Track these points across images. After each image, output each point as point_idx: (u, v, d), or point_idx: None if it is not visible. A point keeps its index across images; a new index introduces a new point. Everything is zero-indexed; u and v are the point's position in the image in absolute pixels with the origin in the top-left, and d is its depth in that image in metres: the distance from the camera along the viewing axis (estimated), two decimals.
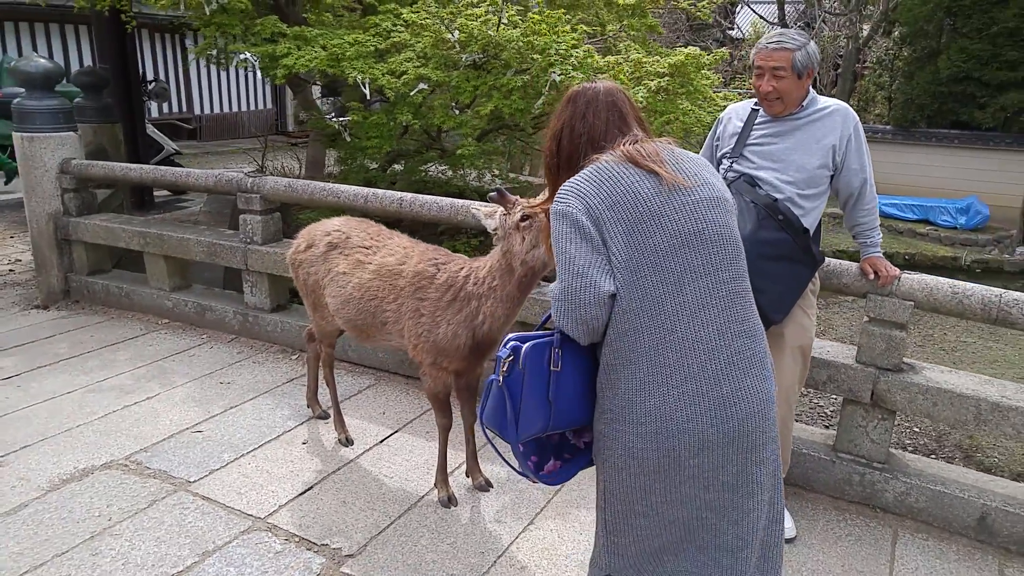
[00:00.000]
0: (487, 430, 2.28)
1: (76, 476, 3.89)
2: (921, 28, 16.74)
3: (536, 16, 5.45)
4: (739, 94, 7.41)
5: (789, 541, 3.47)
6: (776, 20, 22.82)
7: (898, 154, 15.89)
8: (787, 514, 3.56)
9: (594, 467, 2.28)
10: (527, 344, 2.15)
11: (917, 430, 6.48)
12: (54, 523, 3.51)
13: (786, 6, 22.73)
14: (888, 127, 16.96)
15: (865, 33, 20.34)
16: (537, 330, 2.35)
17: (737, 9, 23.58)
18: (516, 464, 2.34)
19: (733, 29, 24.56)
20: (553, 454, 2.39)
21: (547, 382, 2.15)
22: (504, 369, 2.14)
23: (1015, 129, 15.86)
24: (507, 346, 2.17)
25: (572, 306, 2.04)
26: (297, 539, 3.44)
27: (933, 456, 6.16)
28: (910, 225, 15.47)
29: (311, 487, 3.84)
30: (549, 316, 2.25)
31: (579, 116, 2.22)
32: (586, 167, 2.13)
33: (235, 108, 20.49)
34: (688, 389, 2.02)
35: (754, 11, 23.72)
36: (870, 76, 19.65)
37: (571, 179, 2.12)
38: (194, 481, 3.87)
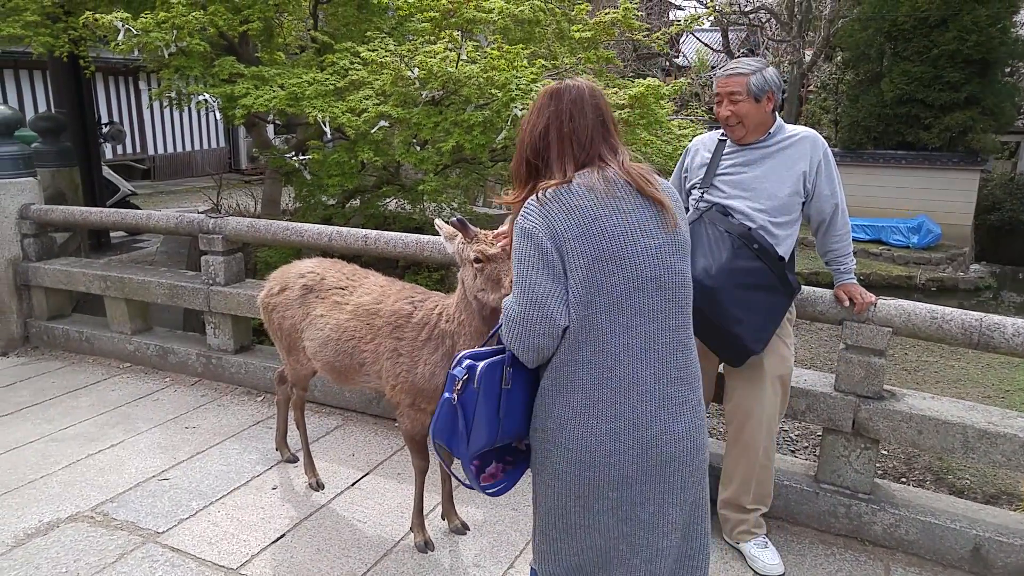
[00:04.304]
0: (436, 444, 2.32)
1: (41, 530, 3.77)
2: (863, 52, 17.10)
3: (495, 52, 5.49)
4: (692, 121, 7.51)
5: None
6: (720, 47, 23.29)
7: (847, 176, 16.18)
8: (773, 550, 3.52)
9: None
10: (482, 363, 2.19)
11: (885, 453, 6.53)
12: None
13: (730, 34, 23.20)
14: (836, 149, 17.28)
15: (808, 58, 20.81)
16: (486, 342, 2.44)
17: (682, 38, 24.02)
18: (464, 479, 2.40)
19: (679, 57, 24.98)
20: (495, 458, 2.44)
21: (499, 399, 2.21)
22: (458, 388, 2.17)
23: (960, 148, 16.16)
24: (462, 364, 2.20)
25: (527, 334, 2.09)
26: None
27: (903, 480, 6.19)
28: (863, 245, 15.61)
29: (284, 535, 3.75)
30: (499, 328, 2.27)
31: (566, 115, 2.16)
32: (558, 185, 2.10)
33: (188, 147, 20.33)
34: (617, 426, 2.08)
35: (699, 39, 24.19)
36: (815, 100, 20.07)
37: (540, 196, 2.10)
38: (163, 532, 3.76)
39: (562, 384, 2.13)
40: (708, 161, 3.47)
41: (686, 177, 3.62)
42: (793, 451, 6.72)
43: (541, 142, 2.19)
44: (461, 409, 2.20)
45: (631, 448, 2.10)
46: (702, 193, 3.42)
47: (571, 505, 2.18)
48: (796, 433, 7.11)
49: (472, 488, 2.42)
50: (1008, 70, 17.51)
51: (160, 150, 19.49)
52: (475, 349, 2.31)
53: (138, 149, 18.84)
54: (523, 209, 2.13)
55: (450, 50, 5.44)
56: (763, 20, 23.28)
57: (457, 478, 2.52)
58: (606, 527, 2.17)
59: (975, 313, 3.49)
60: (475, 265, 2.87)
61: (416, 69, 5.25)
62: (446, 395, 2.23)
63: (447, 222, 2.97)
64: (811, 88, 20.76)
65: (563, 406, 2.14)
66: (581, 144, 2.15)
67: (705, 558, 2.32)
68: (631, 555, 2.18)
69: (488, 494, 2.43)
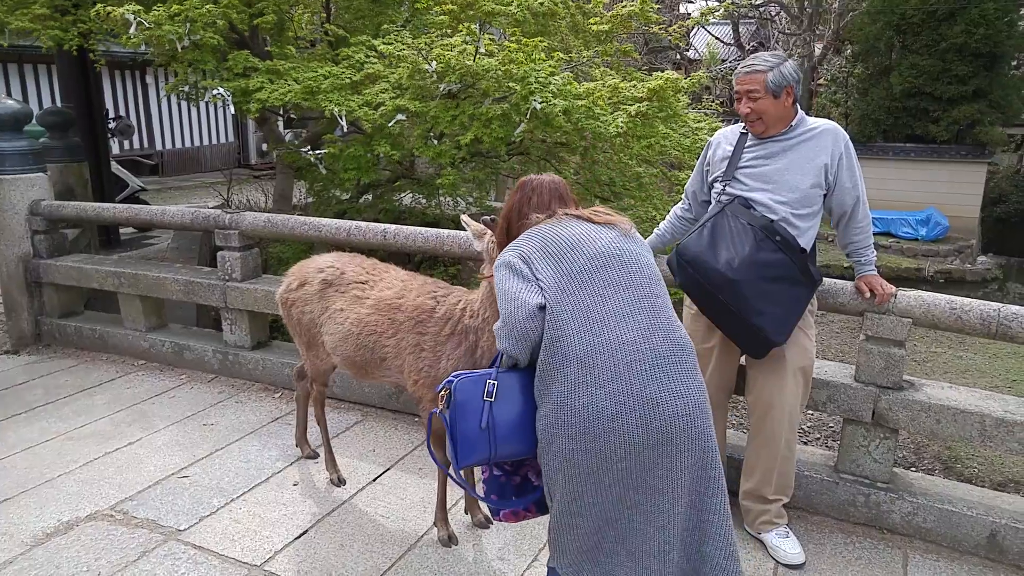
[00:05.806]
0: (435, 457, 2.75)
1: (61, 529, 3.74)
2: (872, 46, 17.13)
3: (513, 45, 5.45)
4: (707, 114, 7.48)
5: (798, 567, 3.44)
6: (731, 40, 23.24)
7: None
8: (795, 540, 3.53)
9: None
10: (459, 379, 2.41)
11: None
12: None
13: (740, 27, 23.16)
14: None
15: (818, 52, 20.78)
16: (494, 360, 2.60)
17: (693, 31, 23.96)
18: (469, 489, 2.76)
19: (689, 50, 24.91)
20: (515, 494, 2.65)
21: (480, 412, 2.37)
22: (442, 403, 2.40)
23: (968, 141, 16.23)
24: (446, 380, 2.44)
25: (509, 327, 2.34)
26: None
27: (913, 469, 6.19)
28: (873, 238, 15.68)
29: (306, 531, 3.73)
30: (498, 357, 2.49)
31: (526, 200, 2.63)
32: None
33: (197, 142, 20.34)
34: (615, 388, 2.22)
35: (709, 32, 24.12)
36: (825, 93, 20.03)
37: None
38: (184, 529, 3.74)
39: (557, 360, 2.29)
40: (730, 154, 3.48)
41: (708, 170, 3.63)
42: (805, 442, 6.70)
43: (510, 222, 2.64)
44: (448, 423, 2.39)
45: (633, 411, 2.22)
46: (724, 186, 3.44)
47: (583, 485, 2.29)
48: (808, 425, 7.09)
49: (480, 498, 2.63)
50: (1015, 63, 17.56)
51: (168, 145, 19.51)
52: (464, 371, 2.53)
53: (145, 144, 18.85)
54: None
55: (467, 43, 5.40)
56: (773, 13, 23.23)
57: (466, 487, 2.77)
58: (619, 499, 2.28)
59: (993, 303, 3.54)
60: None
61: (434, 63, 5.21)
62: (433, 410, 2.48)
63: (478, 220, 2.97)
64: (821, 81, 20.71)
65: (561, 381, 2.28)
66: (537, 212, 2.58)
67: (722, 537, 2.36)
68: (645, 524, 2.30)
69: (505, 509, 2.65)
